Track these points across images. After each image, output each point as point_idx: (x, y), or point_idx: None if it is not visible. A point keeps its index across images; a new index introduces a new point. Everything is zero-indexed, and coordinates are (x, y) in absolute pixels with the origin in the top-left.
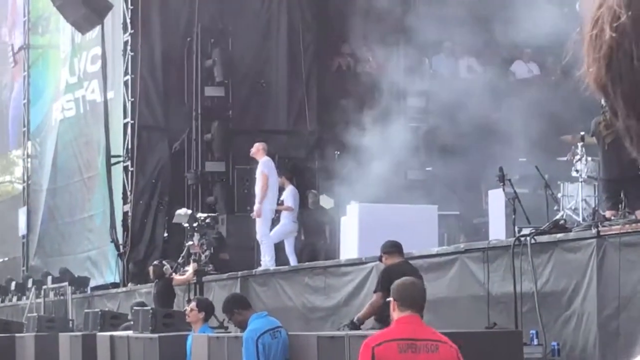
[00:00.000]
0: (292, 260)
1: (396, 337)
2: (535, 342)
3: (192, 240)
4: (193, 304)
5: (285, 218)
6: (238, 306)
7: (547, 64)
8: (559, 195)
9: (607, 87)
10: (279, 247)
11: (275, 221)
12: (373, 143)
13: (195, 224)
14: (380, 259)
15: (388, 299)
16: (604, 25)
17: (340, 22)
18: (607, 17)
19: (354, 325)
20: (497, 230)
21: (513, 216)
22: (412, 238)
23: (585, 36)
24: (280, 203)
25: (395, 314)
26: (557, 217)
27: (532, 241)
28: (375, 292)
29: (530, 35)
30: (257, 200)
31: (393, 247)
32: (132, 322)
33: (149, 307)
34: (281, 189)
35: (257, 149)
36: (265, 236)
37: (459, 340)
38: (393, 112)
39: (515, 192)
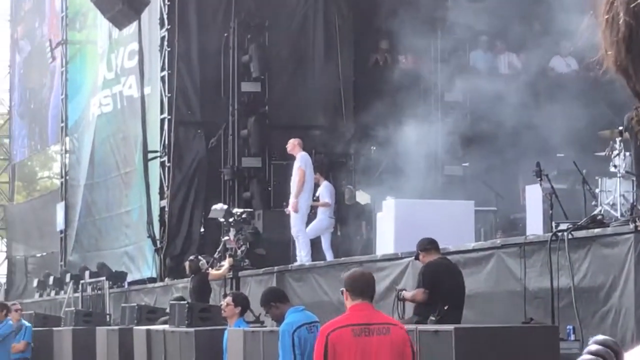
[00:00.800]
0: (329, 256)
1: (350, 322)
2: (572, 337)
3: (228, 235)
4: (229, 299)
5: (322, 214)
6: (276, 299)
7: (585, 59)
8: (597, 190)
9: (628, 69)
10: (315, 243)
11: (311, 217)
12: (409, 138)
13: (231, 219)
14: (416, 257)
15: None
16: (619, 8)
17: (377, 17)
18: (622, 0)
19: (398, 295)
20: (535, 226)
21: (550, 211)
22: (448, 234)
23: (600, 20)
24: (315, 199)
25: (348, 303)
26: (595, 212)
27: (570, 236)
28: (418, 287)
29: (568, 29)
30: (292, 194)
31: (430, 244)
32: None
33: (185, 302)
34: (316, 186)
35: (293, 145)
36: (301, 231)
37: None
38: (430, 107)
39: (552, 187)
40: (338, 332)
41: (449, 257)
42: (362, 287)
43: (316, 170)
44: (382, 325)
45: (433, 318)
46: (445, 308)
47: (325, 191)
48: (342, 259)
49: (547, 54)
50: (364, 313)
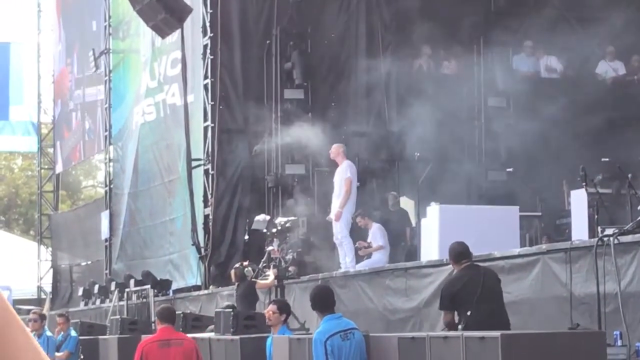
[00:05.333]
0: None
1: (157, 339)
2: (619, 342)
3: (272, 246)
4: (274, 307)
5: (378, 254)
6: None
7: (631, 62)
8: None
9: None
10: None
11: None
12: (453, 144)
13: (274, 230)
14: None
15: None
16: None
17: (419, 23)
18: None
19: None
20: (580, 231)
21: (596, 216)
22: (493, 239)
23: None
24: (368, 245)
25: (158, 325)
26: None
27: (616, 241)
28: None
29: (614, 33)
30: (338, 205)
31: (450, 257)
32: None
33: (231, 310)
34: (365, 230)
35: (337, 152)
36: (345, 238)
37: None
38: (473, 112)
39: (598, 192)
40: (149, 345)
41: (493, 262)
42: (165, 315)
43: (364, 215)
44: (178, 340)
45: (460, 327)
46: (468, 314)
47: (377, 234)
48: (387, 265)
49: (591, 57)
50: (166, 332)
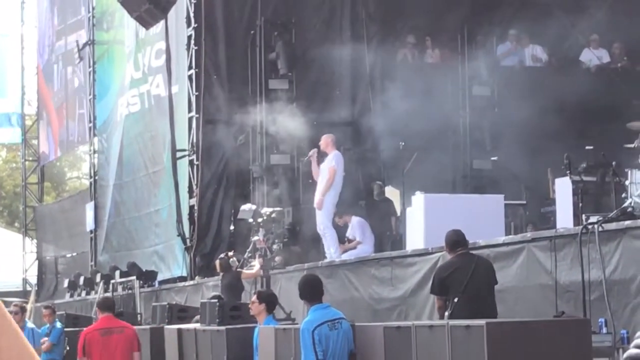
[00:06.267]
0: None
1: (98, 327)
2: (604, 330)
3: (258, 236)
4: (254, 297)
5: (361, 247)
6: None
7: (612, 49)
8: (627, 182)
9: None
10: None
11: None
12: (438, 133)
13: (260, 219)
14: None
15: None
16: None
17: (404, 12)
18: None
19: None
20: (565, 219)
21: (580, 204)
22: (478, 228)
23: None
24: (347, 240)
25: (99, 315)
26: (625, 204)
27: (600, 229)
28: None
29: (597, 21)
30: (319, 192)
31: (446, 244)
32: None
33: (217, 300)
34: (344, 228)
35: (327, 142)
36: (327, 228)
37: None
38: (458, 101)
39: (582, 180)
40: (91, 334)
41: (479, 251)
42: (104, 305)
43: (342, 214)
44: (119, 327)
45: (447, 314)
46: (455, 300)
47: (356, 228)
48: (372, 254)
49: (575, 46)
50: (106, 321)
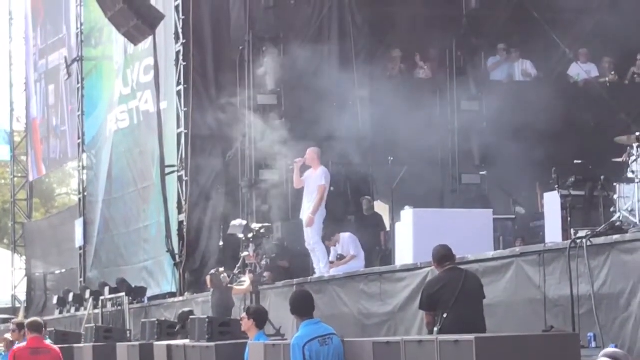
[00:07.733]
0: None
1: (28, 347)
2: (594, 344)
3: (248, 251)
4: (244, 313)
5: (353, 262)
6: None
7: (602, 65)
8: (615, 196)
9: None
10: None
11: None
12: (427, 148)
13: (250, 235)
14: None
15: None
16: None
17: (393, 28)
18: None
19: None
20: (553, 233)
21: (569, 218)
22: (467, 242)
23: None
24: (339, 258)
25: (28, 335)
26: (614, 218)
27: (589, 243)
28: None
29: (585, 35)
30: (310, 211)
31: (434, 259)
32: None
33: (204, 316)
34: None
35: (312, 157)
36: (317, 244)
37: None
38: (447, 116)
39: (571, 194)
40: (20, 352)
41: (467, 266)
42: (37, 326)
43: (331, 236)
44: (45, 348)
45: (436, 329)
46: (444, 316)
47: (348, 244)
48: (362, 270)
49: (563, 60)
50: (35, 342)
